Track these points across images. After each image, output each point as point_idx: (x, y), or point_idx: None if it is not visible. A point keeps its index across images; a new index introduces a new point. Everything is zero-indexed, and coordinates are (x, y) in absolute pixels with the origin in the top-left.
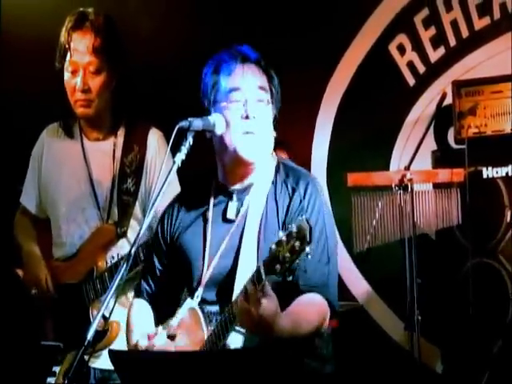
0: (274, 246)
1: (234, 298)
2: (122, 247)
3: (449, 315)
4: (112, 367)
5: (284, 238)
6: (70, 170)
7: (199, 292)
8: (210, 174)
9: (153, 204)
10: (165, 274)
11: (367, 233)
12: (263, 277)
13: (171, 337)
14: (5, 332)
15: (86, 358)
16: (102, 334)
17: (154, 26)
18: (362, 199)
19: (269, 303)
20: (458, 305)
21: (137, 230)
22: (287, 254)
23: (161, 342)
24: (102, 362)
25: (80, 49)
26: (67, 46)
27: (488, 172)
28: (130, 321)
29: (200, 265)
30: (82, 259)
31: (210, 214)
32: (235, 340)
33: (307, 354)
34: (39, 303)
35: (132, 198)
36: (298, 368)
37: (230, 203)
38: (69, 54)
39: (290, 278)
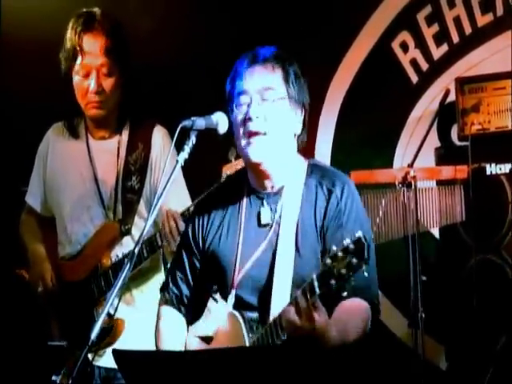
0: (328, 261)
1: (272, 303)
2: (127, 245)
3: (453, 312)
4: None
5: (340, 254)
6: (74, 168)
7: (232, 295)
8: (242, 177)
9: (156, 202)
10: (196, 278)
11: (371, 230)
12: (317, 291)
13: (206, 339)
14: (9, 332)
15: (91, 356)
16: (106, 332)
17: (156, 24)
18: (365, 197)
19: (320, 316)
20: (461, 302)
21: (141, 227)
22: (343, 271)
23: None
24: (107, 360)
25: (92, 51)
26: (78, 49)
27: (491, 169)
28: (162, 332)
29: (232, 268)
30: (87, 257)
31: (242, 218)
32: None
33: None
34: (45, 302)
35: (136, 195)
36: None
37: (262, 208)
38: (80, 57)
39: (345, 294)
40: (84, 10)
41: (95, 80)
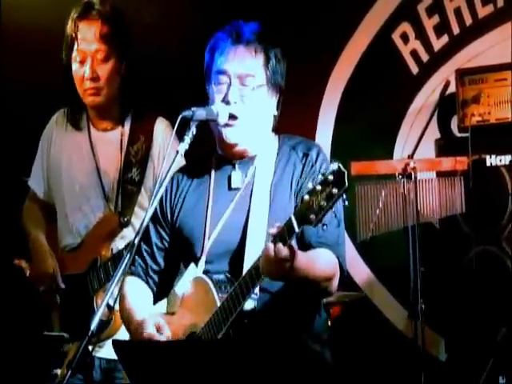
0: (306, 197)
1: (245, 265)
2: (126, 236)
3: (452, 303)
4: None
5: (318, 187)
6: (77, 159)
7: (202, 260)
8: (210, 148)
9: (156, 194)
10: (163, 251)
11: (371, 221)
12: (296, 229)
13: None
14: (9, 323)
15: (91, 348)
16: (106, 324)
17: (159, 16)
18: (365, 188)
19: (297, 253)
20: (461, 293)
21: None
22: (323, 203)
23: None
24: (107, 351)
25: (87, 37)
26: (74, 36)
27: (491, 160)
28: (128, 300)
29: (202, 233)
30: (87, 249)
31: (211, 184)
32: (247, 304)
33: (309, 330)
34: (46, 296)
35: (136, 187)
36: (305, 350)
37: (233, 172)
38: (76, 44)
39: (325, 228)
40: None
41: (90, 66)
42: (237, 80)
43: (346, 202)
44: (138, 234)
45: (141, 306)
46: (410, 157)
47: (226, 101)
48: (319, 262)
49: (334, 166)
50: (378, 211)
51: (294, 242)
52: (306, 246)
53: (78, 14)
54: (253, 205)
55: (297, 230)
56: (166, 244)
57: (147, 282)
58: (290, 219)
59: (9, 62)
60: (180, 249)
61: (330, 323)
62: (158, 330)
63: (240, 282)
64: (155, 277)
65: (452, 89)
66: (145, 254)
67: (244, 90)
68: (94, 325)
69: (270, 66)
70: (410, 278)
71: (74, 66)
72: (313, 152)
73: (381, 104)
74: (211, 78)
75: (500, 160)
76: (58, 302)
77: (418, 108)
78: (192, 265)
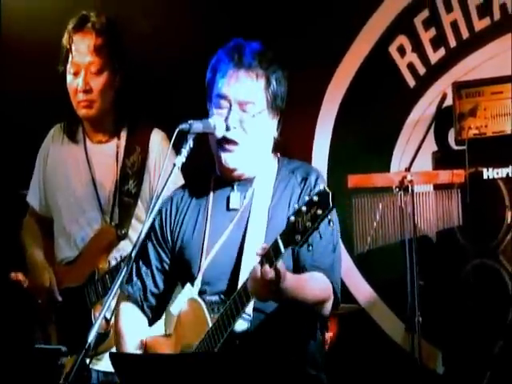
0: (292, 218)
1: (239, 286)
2: (124, 249)
3: (450, 316)
4: None
5: (304, 208)
6: (73, 172)
7: (198, 280)
8: (209, 168)
9: (153, 207)
10: (163, 273)
11: (368, 234)
12: (282, 250)
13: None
14: (6, 336)
15: (88, 360)
16: (103, 336)
17: (154, 26)
18: (362, 201)
19: (286, 274)
20: (458, 306)
21: (139, 231)
22: (308, 224)
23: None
24: (105, 364)
25: (81, 49)
26: (68, 48)
27: (488, 173)
28: (121, 329)
29: (199, 254)
30: (84, 262)
31: (210, 205)
32: (239, 325)
33: (306, 358)
34: (43, 310)
35: (133, 199)
36: (300, 374)
37: (232, 193)
38: (70, 56)
39: (310, 249)
40: (83, 12)
41: (83, 78)
42: (237, 106)
43: (332, 224)
44: (134, 246)
45: (132, 334)
46: (407, 169)
47: (225, 127)
48: (310, 284)
49: (320, 187)
50: (375, 224)
51: (281, 263)
52: (300, 269)
53: (74, 26)
54: (250, 226)
55: (283, 250)
56: (166, 266)
57: (143, 307)
58: (276, 240)
59: (9, 73)
60: (179, 270)
61: (327, 346)
62: None
63: (230, 303)
64: (152, 300)
65: (449, 102)
66: (144, 276)
67: (244, 116)
68: (91, 338)
69: (271, 90)
70: (407, 290)
71: (69, 78)
72: (312, 177)
73: (378, 116)
74: (212, 100)
75: (497, 173)
76: (54, 314)
77: (415, 121)
78: (188, 285)
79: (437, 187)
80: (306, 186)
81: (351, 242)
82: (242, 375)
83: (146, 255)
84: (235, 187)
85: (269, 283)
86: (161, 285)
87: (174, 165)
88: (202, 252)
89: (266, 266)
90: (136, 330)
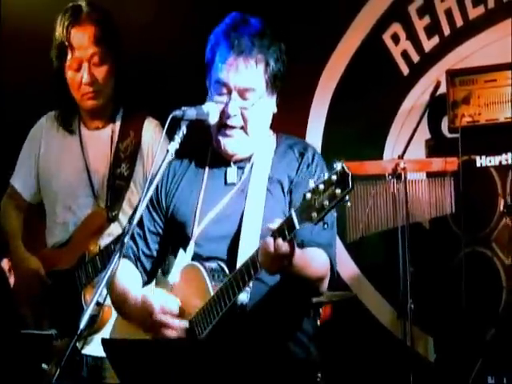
0: (309, 195)
1: (239, 255)
2: (113, 233)
3: (442, 304)
4: (104, 354)
5: (321, 186)
6: (67, 159)
7: (191, 244)
8: (206, 140)
9: (145, 193)
10: (156, 233)
11: (360, 221)
12: (297, 225)
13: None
14: None
15: (79, 345)
16: (93, 319)
17: (148, 16)
18: (355, 188)
19: (297, 250)
20: (450, 293)
21: (129, 214)
22: (326, 202)
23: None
24: (94, 348)
25: (82, 43)
26: (67, 44)
27: (481, 161)
28: (120, 280)
29: (192, 220)
30: (75, 245)
31: (205, 176)
32: (240, 295)
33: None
34: (34, 295)
35: (125, 182)
36: (287, 336)
37: (229, 168)
38: (70, 52)
39: (325, 227)
40: (70, 4)
41: (87, 71)
42: (237, 93)
43: (349, 203)
44: (127, 233)
45: (134, 285)
46: (400, 157)
47: (226, 113)
48: (314, 261)
49: (338, 166)
50: (367, 211)
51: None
52: (298, 244)
53: (70, 21)
54: (249, 198)
55: (297, 226)
56: (159, 228)
57: (136, 266)
58: (290, 215)
59: (8, 66)
60: (171, 234)
61: (319, 323)
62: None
63: (236, 274)
64: (145, 261)
65: (442, 89)
66: (137, 237)
67: (244, 104)
68: (83, 323)
69: (270, 73)
70: (399, 278)
71: (69, 74)
72: (309, 153)
73: (371, 104)
74: (211, 83)
75: (490, 161)
76: (44, 297)
77: (409, 108)
78: (181, 252)
79: (430, 175)
80: (303, 160)
81: (344, 229)
82: (235, 357)
83: (139, 218)
84: (232, 163)
85: (281, 257)
86: (153, 246)
87: (168, 151)
88: (195, 220)
89: (280, 240)
90: (135, 280)
